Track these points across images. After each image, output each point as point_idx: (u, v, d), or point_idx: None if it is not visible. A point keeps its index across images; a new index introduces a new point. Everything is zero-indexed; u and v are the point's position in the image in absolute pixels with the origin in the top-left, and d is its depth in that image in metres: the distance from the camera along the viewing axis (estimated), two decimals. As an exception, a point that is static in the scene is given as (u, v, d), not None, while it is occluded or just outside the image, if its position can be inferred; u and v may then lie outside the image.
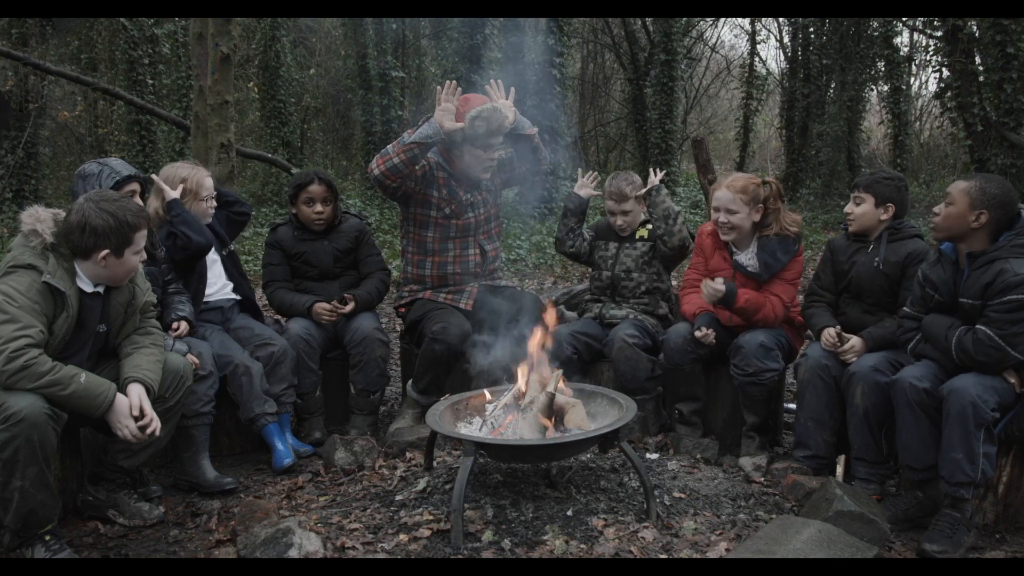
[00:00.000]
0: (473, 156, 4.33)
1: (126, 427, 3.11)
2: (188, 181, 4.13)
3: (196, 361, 3.78)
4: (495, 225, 4.66)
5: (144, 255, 3.31)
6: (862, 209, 3.83)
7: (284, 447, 4.13)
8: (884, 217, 3.81)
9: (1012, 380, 3.25)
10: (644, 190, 4.46)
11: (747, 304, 4.01)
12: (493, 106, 4.21)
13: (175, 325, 3.89)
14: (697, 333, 4.05)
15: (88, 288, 3.20)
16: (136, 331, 3.42)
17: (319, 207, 4.57)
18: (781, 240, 4.09)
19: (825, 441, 3.78)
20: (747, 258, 4.14)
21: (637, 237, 4.58)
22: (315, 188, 4.55)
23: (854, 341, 3.76)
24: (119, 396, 3.12)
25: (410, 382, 4.43)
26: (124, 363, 3.28)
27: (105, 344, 3.37)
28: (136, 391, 3.17)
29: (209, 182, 4.24)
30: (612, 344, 4.29)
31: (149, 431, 3.16)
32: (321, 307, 4.44)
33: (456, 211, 4.45)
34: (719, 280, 4.01)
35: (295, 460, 4.11)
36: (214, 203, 4.29)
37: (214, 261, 4.36)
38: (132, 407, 3.13)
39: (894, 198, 3.79)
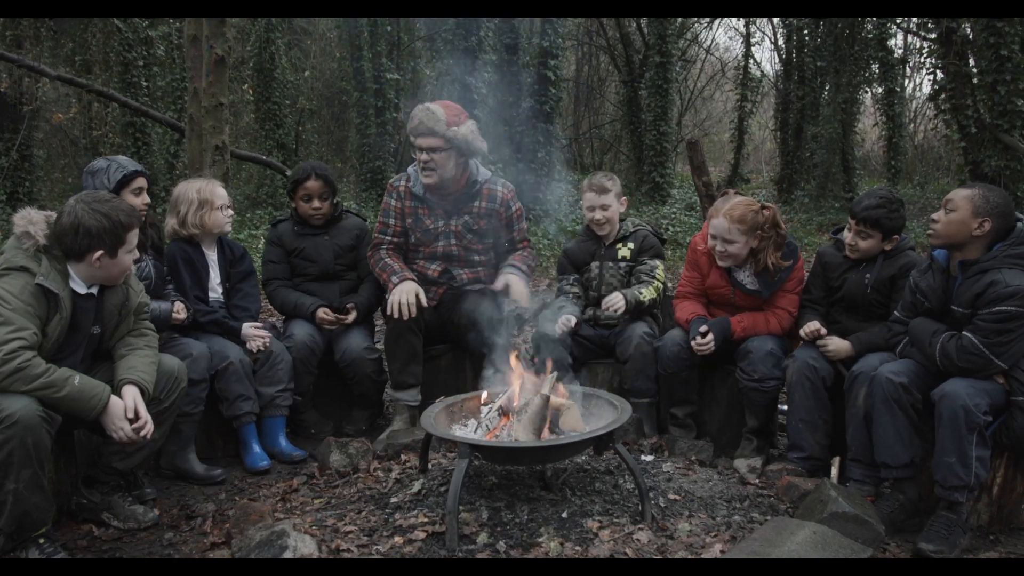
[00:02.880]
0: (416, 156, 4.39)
1: (120, 429, 3.11)
2: (201, 192, 4.22)
3: (181, 316, 3.94)
4: (481, 269, 4.59)
5: (136, 253, 3.31)
6: (868, 244, 3.78)
7: (260, 449, 4.17)
8: (888, 247, 3.80)
9: (1000, 381, 3.27)
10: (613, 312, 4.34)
11: (745, 332, 4.05)
12: (424, 106, 4.30)
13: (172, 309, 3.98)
14: (695, 340, 4.02)
15: (82, 290, 3.19)
16: (130, 333, 3.42)
17: (316, 203, 4.61)
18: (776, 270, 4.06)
19: (818, 443, 3.79)
20: (746, 275, 4.12)
21: (620, 257, 4.52)
22: (312, 184, 4.59)
23: (838, 341, 3.78)
24: (113, 398, 3.12)
25: (388, 387, 4.44)
26: (118, 365, 3.28)
27: (99, 346, 3.36)
28: (130, 393, 3.17)
29: (221, 191, 4.32)
30: (629, 342, 4.28)
31: (143, 433, 3.16)
32: (324, 315, 4.45)
33: (422, 239, 4.49)
34: (708, 337, 4.00)
35: (271, 464, 4.15)
36: (231, 211, 4.37)
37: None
38: (127, 409, 3.13)
39: (900, 228, 3.79)
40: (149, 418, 3.19)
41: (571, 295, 4.56)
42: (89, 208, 3.11)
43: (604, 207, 4.48)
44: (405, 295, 4.19)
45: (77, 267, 3.17)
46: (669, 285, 4.98)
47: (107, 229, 3.11)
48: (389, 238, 4.50)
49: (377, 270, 4.44)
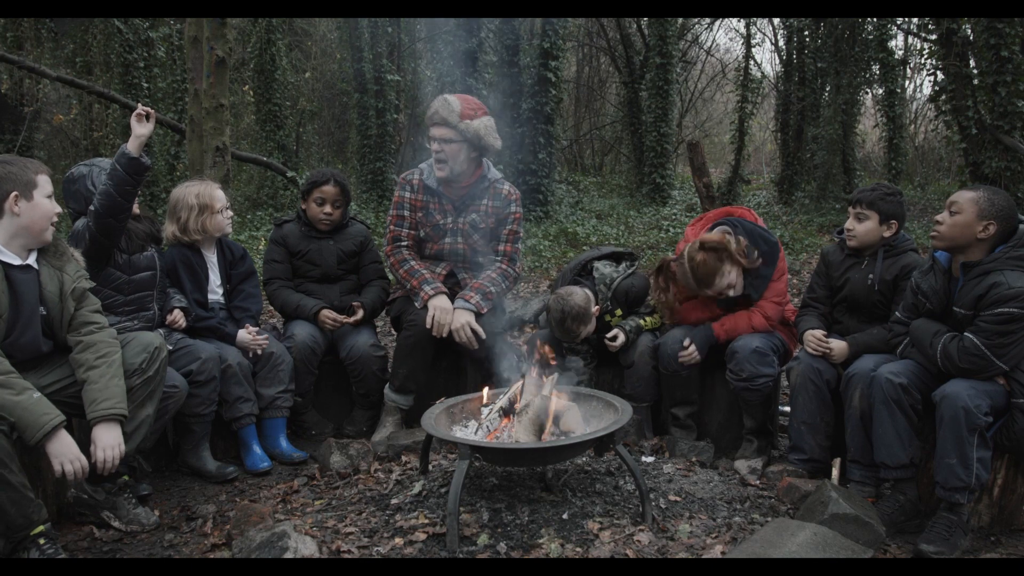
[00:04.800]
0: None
1: (64, 464, 3.02)
2: (200, 196, 4.23)
3: (180, 324, 4.01)
4: (483, 261, 4.51)
5: (58, 207, 3.31)
6: (865, 227, 3.81)
7: (261, 451, 4.18)
8: (887, 234, 3.81)
9: (1001, 382, 3.28)
10: (615, 344, 4.30)
11: (729, 334, 4.07)
12: (442, 97, 4.30)
13: (170, 317, 4.02)
14: (680, 354, 4.08)
15: (15, 261, 3.19)
16: (79, 345, 3.31)
17: (328, 208, 4.62)
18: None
19: (819, 445, 3.79)
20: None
21: (613, 328, 4.36)
22: (329, 189, 4.60)
23: (837, 344, 3.78)
24: (62, 435, 3.02)
25: (386, 386, 4.42)
26: (83, 397, 3.21)
27: (53, 335, 3.33)
28: (107, 431, 3.16)
29: (220, 193, 4.33)
30: (634, 348, 4.30)
31: (109, 465, 3.16)
32: (327, 316, 4.45)
33: (431, 235, 4.47)
34: (690, 349, 4.05)
35: (271, 466, 4.16)
36: (230, 213, 4.39)
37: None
38: (102, 460, 3.11)
39: (898, 215, 3.80)
40: (122, 451, 3.19)
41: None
42: None
43: (584, 335, 4.31)
44: (444, 315, 4.15)
45: (2, 228, 3.17)
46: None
47: (15, 173, 3.16)
48: (406, 230, 4.47)
49: (402, 272, 4.37)
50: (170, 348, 3.86)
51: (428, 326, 4.14)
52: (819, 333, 3.85)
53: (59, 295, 3.32)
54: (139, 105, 3.75)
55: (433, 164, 4.38)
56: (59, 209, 3.31)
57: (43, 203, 3.23)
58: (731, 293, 4.01)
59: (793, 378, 3.86)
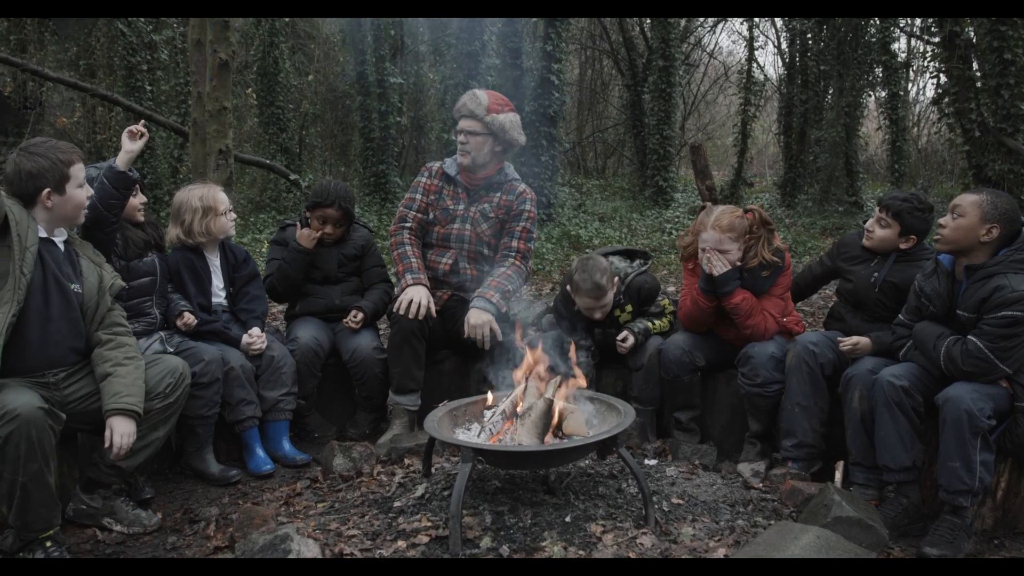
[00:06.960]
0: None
1: (117, 438, 3.18)
2: (204, 199, 4.24)
3: (191, 324, 4.04)
4: (488, 253, 4.56)
5: (90, 189, 3.40)
6: (884, 233, 3.83)
7: (264, 453, 4.18)
8: (903, 246, 3.82)
9: (1004, 385, 3.28)
10: (626, 345, 4.30)
11: (743, 302, 3.98)
12: (472, 91, 4.48)
13: (179, 320, 4.06)
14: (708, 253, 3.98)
15: (43, 233, 3.25)
16: (110, 343, 3.37)
17: (330, 228, 4.64)
18: (766, 266, 4.06)
19: (812, 429, 3.79)
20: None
21: (622, 323, 4.40)
22: (331, 212, 4.61)
23: (861, 340, 3.77)
24: (131, 421, 3.21)
25: (390, 391, 4.43)
26: (103, 388, 3.26)
27: (86, 327, 3.35)
28: (125, 422, 3.21)
29: (223, 195, 4.35)
30: (644, 351, 4.30)
31: (124, 451, 3.22)
32: (302, 235, 4.53)
33: (439, 218, 4.55)
34: (720, 261, 3.97)
35: (274, 468, 4.15)
36: (234, 215, 4.41)
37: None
38: (119, 446, 3.17)
39: (919, 231, 3.80)
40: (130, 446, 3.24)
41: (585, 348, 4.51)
42: (27, 153, 3.20)
43: (604, 306, 4.28)
44: (417, 296, 4.22)
45: (35, 214, 3.22)
46: (674, 289, 4.96)
47: (46, 169, 3.19)
48: (413, 212, 4.56)
49: (395, 254, 4.48)
50: (171, 350, 3.88)
51: (403, 311, 4.21)
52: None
53: (98, 288, 3.39)
54: (141, 123, 3.75)
55: (458, 155, 4.52)
56: (90, 192, 3.41)
57: (74, 195, 3.30)
58: (713, 262, 3.96)
59: (789, 360, 3.87)
